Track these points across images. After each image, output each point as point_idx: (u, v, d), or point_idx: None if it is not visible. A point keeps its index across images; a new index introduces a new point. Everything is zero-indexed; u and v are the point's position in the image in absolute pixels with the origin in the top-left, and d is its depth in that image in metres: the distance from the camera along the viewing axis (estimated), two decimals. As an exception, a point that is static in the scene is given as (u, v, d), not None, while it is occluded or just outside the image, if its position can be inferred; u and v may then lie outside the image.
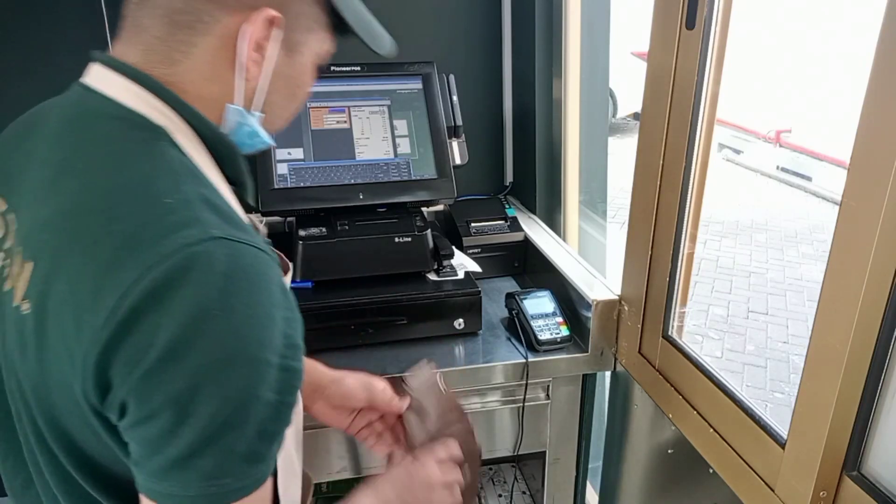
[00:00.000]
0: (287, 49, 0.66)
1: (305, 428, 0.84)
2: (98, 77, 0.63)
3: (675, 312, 1.10)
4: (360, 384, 0.95)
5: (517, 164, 1.85)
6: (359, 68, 1.44)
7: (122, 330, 0.51)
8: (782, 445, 0.84)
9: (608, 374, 1.32)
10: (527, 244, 1.56)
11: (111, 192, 0.56)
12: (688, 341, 1.08)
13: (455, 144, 1.48)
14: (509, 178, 1.88)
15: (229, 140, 0.66)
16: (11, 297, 0.59)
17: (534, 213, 1.71)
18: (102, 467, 0.60)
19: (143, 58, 0.62)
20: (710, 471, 0.99)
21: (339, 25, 0.70)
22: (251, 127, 0.67)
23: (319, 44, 0.70)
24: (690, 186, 1.03)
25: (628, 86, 5.33)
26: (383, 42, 0.76)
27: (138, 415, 0.52)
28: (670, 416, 1.09)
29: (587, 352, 1.25)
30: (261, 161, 1.34)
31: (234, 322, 0.52)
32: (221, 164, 0.65)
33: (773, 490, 0.85)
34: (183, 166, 0.59)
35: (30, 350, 0.57)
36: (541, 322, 1.27)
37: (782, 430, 0.85)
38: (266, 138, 0.69)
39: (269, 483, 0.59)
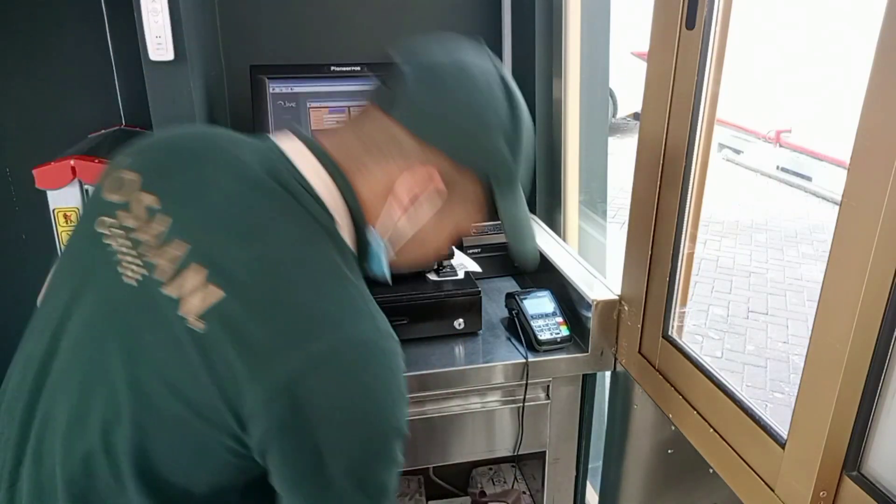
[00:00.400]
0: (437, 212, 0.75)
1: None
2: (296, 151, 0.72)
3: (675, 312, 1.10)
4: None
5: (517, 164, 1.84)
6: (359, 68, 1.45)
7: (287, 395, 0.59)
8: (782, 445, 0.84)
9: (608, 374, 1.33)
10: (527, 244, 1.56)
11: (302, 267, 0.65)
12: (688, 341, 1.08)
13: (455, 144, 1.47)
14: (509, 178, 1.87)
15: (372, 250, 0.75)
16: (176, 305, 0.63)
17: (534, 213, 1.71)
18: (164, 476, 0.65)
19: (337, 155, 0.72)
20: (710, 471, 0.99)
21: (492, 212, 0.78)
22: (379, 255, 0.75)
23: (467, 218, 0.78)
24: (690, 186, 1.03)
25: (628, 86, 5.33)
26: (525, 249, 0.81)
27: (279, 458, 0.62)
28: (670, 416, 1.09)
29: (587, 352, 1.25)
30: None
31: (380, 401, 0.63)
32: (360, 258, 0.75)
33: (772, 490, 0.85)
34: (349, 263, 0.69)
35: (191, 361, 0.61)
36: (541, 322, 1.27)
37: (782, 430, 0.85)
38: (385, 271, 0.77)
39: None
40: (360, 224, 0.73)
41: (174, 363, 0.62)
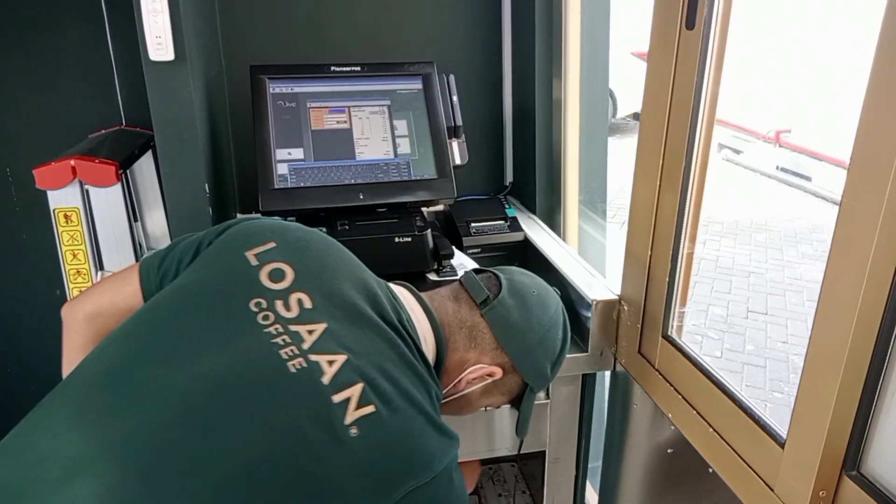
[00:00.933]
0: (479, 392, 0.95)
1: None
2: (415, 308, 0.90)
3: (674, 312, 1.10)
4: None
5: (517, 164, 1.85)
6: (359, 68, 1.45)
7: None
8: (782, 445, 0.84)
9: (608, 373, 1.33)
10: (527, 244, 1.56)
11: (413, 408, 0.76)
12: (687, 341, 1.08)
13: (455, 144, 1.48)
14: (509, 178, 1.88)
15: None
16: (344, 410, 0.71)
17: (534, 213, 1.71)
18: None
19: (441, 318, 0.91)
20: (710, 471, 1.00)
21: (517, 402, 1.00)
22: (436, 403, 0.85)
23: (499, 400, 0.99)
24: (690, 186, 1.03)
25: (628, 86, 5.33)
26: (524, 434, 1.04)
27: None
28: (670, 415, 1.09)
29: (587, 351, 1.25)
30: (261, 161, 1.34)
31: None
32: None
33: (772, 490, 0.85)
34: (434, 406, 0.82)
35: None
36: (541, 322, 1.27)
37: (782, 429, 0.85)
38: (436, 418, 0.85)
39: None
40: (440, 354, 0.90)
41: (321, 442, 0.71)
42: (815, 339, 0.76)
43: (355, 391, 0.72)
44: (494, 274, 1.00)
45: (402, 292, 0.91)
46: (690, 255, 1.08)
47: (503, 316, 0.94)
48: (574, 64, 1.58)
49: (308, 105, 1.40)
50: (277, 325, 0.75)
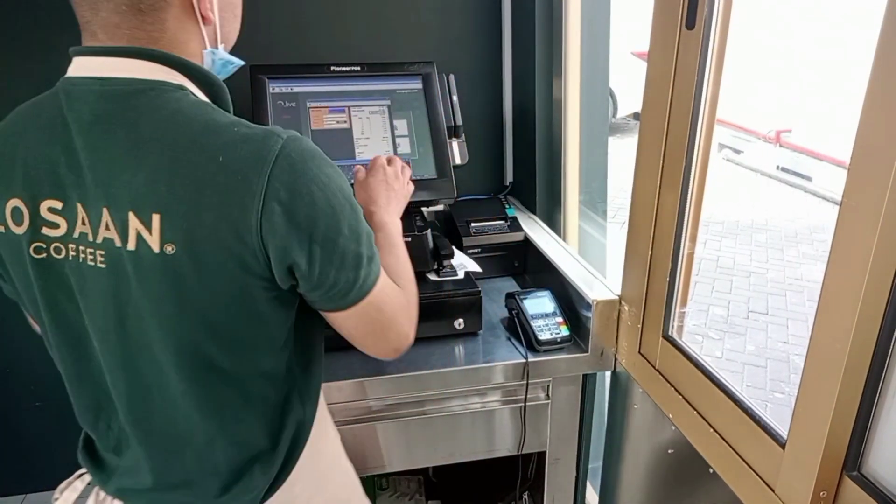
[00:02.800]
0: None
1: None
2: (106, 65, 0.71)
3: (675, 312, 1.10)
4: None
5: (517, 164, 1.85)
6: (359, 68, 1.44)
7: (270, 216, 0.67)
8: (782, 445, 0.84)
9: (608, 374, 1.33)
10: (527, 244, 1.56)
11: (198, 140, 0.68)
12: (688, 341, 1.08)
13: (455, 144, 1.48)
14: (509, 178, 1.88)
15: (219, 80, 0.78)
16: (148, 249, 0.68)
17: (534, 213, 1.71)
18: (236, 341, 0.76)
19: (132, 43, 0.72)
20: (710, 471, 0.99)
21: None
22: (223, 58, 0.81)
23: None
24: (690, 186, 1.03)
25: (628, 86, 5.33)
26: None
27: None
28: (670, 416, 1.09)
29: (587, 352, 1.25)
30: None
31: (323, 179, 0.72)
32: (217, 101, 0.77)
33: (773, 490, 0.85)
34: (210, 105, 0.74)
35: (187, 277, 0.69)
36: (541, 322, 1.27)
37: (782, 430, 0.85)
38: (236, 60, 0.84)
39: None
40: (189, 68, 0.74)
41: (176, 286, 0.70)
42: (816, 339, 0.76)
43: (137, 223, 0.69)
44: None
45: (83, 65, 0.75)
46: (691, 255, 1.08)
47: None
48: (574, 64, 1.58)
49: (308, 105, 1.40)
50: (64, 245, 0.74)
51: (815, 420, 0.77)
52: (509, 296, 1.35)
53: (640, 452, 1.25)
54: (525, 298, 1.31)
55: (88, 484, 0.93)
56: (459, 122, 1.48)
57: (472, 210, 1.60)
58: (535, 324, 1.26)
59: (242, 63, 0.87)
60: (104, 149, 0.69)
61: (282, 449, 0.86)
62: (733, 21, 0.95)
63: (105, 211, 0.69)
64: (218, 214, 0.67)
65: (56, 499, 0.92)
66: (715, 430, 0.97)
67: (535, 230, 1.59)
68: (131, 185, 0.68)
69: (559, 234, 1.63)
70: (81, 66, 0.73)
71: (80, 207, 0.71)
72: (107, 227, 0.70)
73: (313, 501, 0.92)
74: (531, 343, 1.25)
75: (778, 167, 5.81)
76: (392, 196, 1.04)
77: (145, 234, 0.68)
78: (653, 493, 1.24)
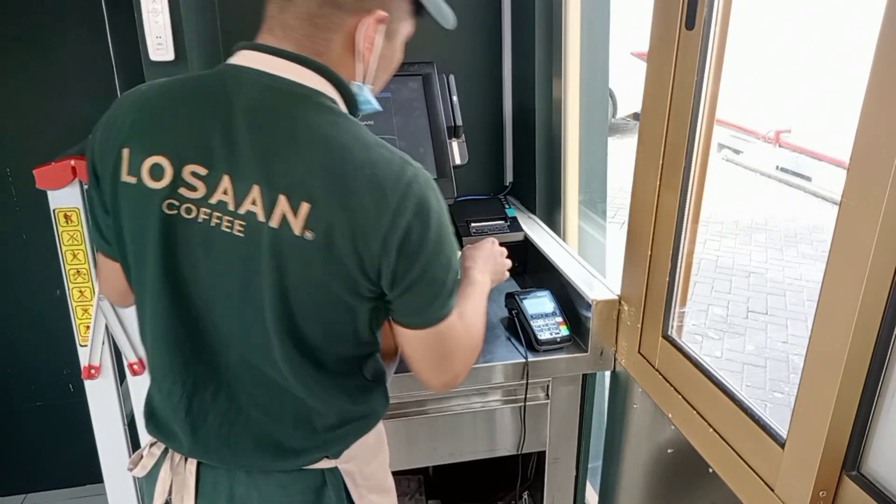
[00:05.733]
0: (388, 37, 0.86)
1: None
2: (273, 63, 0.79)
3: (674, 312, 1.10)
4: None
5: (517, 164, 1.85)
6: (359, 68, 1.44)
7: (395, 230, 0.76)
8: (782, 445, 0.84)
9: (608, 373, 1.33)
10: (527, 244, 1.56)
11: (352, 151, 0.76)
12: (687, 341, 1.08)
13: (455, 144, 1.48)
14: (509, 178, 1.88)
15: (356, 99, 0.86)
16: (289, 230, 0.76)
17: (534, 213, 1.71)
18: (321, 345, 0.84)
19: (297, 50, 0.80)
20: (710, 471, 1.00)
21: (419, 11, 0.91)
22: (366, 97, 0.87)
23: (408, 28, 0.91)
24: (690, 186, 1.03)
25: (628, 86, 5.33)
26: (448, 17, 0.96)
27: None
28: (670, 415, 1.09)
29: (587, 352, 1.26)
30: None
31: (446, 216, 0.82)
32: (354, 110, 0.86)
33: (772, 490, 0.85)
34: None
35: (314, 262, 0.77)
36: (541, 322, 1.27)
37: (782, 430, 0.85)
38: (375, 104, 0.90)
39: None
40: (344, 88, 0.83)
41: (304, 270, 0.78)
42: (816, 339, 0.76)
43: (285, 208, 0.76)
44: None
45: (251, 59, 0.81)
46: (690, 255, 1.08)
47: None
48: (574, 64, 1.58)
49: (308, 105, 1.40)
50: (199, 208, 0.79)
51: (815, 420, 0.77)
52: (509, 296, 1.35)
53: (640, 452, 1.25)
54: (525, 298, 1.31)
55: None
56: (459, 122, 1.48)
57: (472, 210, 1.60)
58: (535, 324, 1.26)
59: (380, 109, 0.94)
60: (266, 134, 0.77)
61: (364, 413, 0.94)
62: (733, 21, 0.95)
63: (255, 188, 0.76)
64: (355, 217, 0.75)
65: (131, 468, 0.96)
66: (714, 430, 0.97)
67: (535, 230, 1.59)
68: (288, 173, 0.76)
69: (559, 234, 1.63)
70: (250, 59, 0.80)
71: (226, 178, 0.77)
72: (253, 203, 0.77)
73: (371, 465, 0.98)
74: (531, 343, 1.25)
75: (777, 167, 5.81)
76: (491, 266, 1.11)
77: (290, 216, 0.75)
78: (652, 493, 1.24)
